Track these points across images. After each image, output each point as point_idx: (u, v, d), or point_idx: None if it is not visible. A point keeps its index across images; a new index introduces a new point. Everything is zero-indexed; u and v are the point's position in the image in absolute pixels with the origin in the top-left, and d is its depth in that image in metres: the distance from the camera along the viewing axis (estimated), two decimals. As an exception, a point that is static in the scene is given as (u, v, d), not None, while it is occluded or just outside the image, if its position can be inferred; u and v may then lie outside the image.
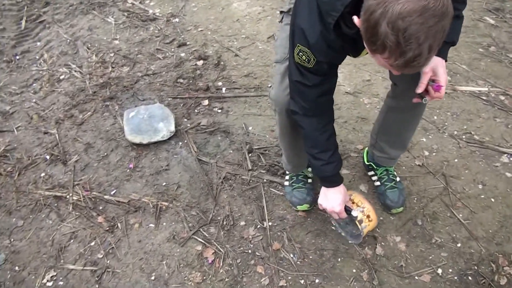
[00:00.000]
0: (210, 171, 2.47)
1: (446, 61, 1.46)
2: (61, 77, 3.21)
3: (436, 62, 1.42)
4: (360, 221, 1.82)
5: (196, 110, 2.85)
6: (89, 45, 3.44)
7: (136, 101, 2.94)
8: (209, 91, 2.96)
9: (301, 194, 2.13)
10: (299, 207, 2.15)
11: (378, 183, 2.20)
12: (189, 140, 2.64)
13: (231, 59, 3.22)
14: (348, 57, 1.60)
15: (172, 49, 3.34)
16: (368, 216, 1.84)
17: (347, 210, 1.82)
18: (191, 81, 3.05)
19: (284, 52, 1.67)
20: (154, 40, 3.44)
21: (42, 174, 2.56)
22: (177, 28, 3.55)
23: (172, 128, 2.63)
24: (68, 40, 3.49)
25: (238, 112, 2.82)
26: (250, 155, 2.53)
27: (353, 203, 1.86)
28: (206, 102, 2.89)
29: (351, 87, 2.92)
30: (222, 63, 3.18)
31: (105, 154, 2.63)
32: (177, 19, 3.64)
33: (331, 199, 1.81)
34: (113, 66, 3.23)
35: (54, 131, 2.82)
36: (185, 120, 2.79)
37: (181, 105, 2.90)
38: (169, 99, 2.95)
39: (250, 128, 2.71)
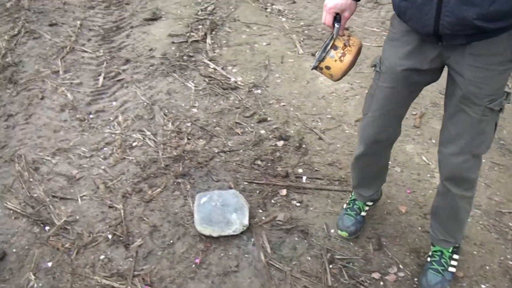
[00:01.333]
0: (284, 281, 2.16)
1: None
2: (134, 144, 3.03)
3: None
4: (334, 47, 1.57)
5: (272, 201, 2.57)
6: (166, 111, 3.26)
7: (210, 181, 2.70)
8: (288, 178, 2.68)
9: (348, 221, 2.24)
10: (339, 232, 2.28)
11: (428, 259, 2.10)
12: (263, 238, 2.35)
13: (314, 142, 2.94)
14: None
15: (252, 124, 3.11)
16: (345, 47, 1.58)
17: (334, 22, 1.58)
18: (269, 164, 2.78)
19: None
20: (234, 112, 3.22)
21: (102, 257, 2.34)
22: (259, 101, 3.32)
23: (246, 222, 2.35)
24: (145, 103, 3.34)
25: (319, 208, 2.52)
26: (331, 266, 2.21)
27: (348, 36, 1.62)
28: (284, 192, 2.60)
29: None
30: (304, 146, 2.91)
31: (171, 241, 2.37)
32: (259, 91, 3.42)
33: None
34: (189, 137, 3.02)
35: (120, 205, 2.61)
36: (260, 211, 2.51)
37: (257, 192, 2.63)
38: (245, 183, 2.69)
39: (332, 230, 2.40)
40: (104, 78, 3.69)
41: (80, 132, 3.21)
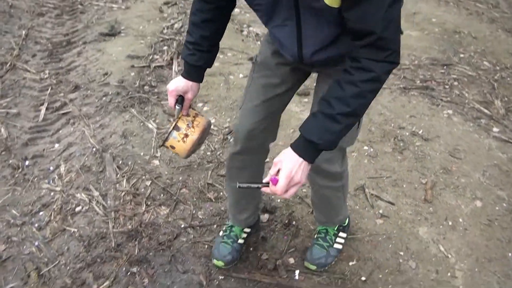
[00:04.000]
0: None
1: (307, 161, 1.31)
2: (77, 209, 2.40)
3: (286, 154, 1.32)
4: (177, 128, 1.59)
5: (258, 307, 1.98)
6: (120, 162, 2.62)
7: (174, 273, 2.13)
8: (277, 273, 2.12)
9: (224, 250, 2.08)
10: (215, 261, 2.09)
11: (315, 236, 2.17)
12: None
13: (306, 218, 2.40)
14: None
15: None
16: (188, 128, 1.60)
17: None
18: (251, 249, 2.21)
19: None
20: (205, 168, 2.62)
21: None
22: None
23: None
24: (94, 149, 2.68)
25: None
26: None
27: (194, 116, 1.64)
28: (272, 295, 2.01)
29: None
30: (294, 222, 2.37)
31: None
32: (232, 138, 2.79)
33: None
34: (148, 202, 2.41)
35: (55, 307, 1.96)
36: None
37: (237, 292, 2.03)
38: (221, 277, 2.10)
39: None
40: (47, 109, 3.02)
41: (12, 185, 2.56)
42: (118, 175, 2.58)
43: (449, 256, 2.23)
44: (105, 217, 2.37)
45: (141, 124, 2.91)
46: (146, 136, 2.83)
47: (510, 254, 2.25)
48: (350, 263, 2.19)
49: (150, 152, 2.73)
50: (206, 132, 1.67)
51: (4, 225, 2.36)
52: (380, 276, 2.14)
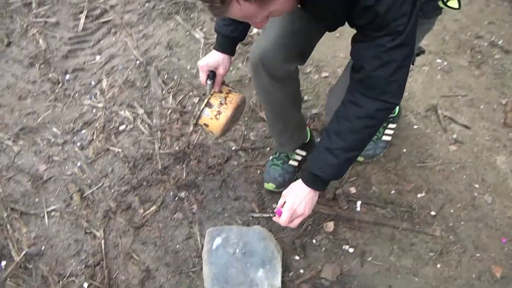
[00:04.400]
0: None
1: (315, 189, 1.33)
2: (121, 128, 2.22)
3: (293, 187, 1.35)
4: (209, 105, 1.49)
5: (314, 240, 1.81)
6: (166, 76, 2.40)
7: (224, 199, 1.94)
8: (336, 203, 1.90)
9: (274, 172, 1.93)
10: (265, 185, 1.95)
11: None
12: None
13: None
14: None
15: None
16: (221, 105, 1.50)
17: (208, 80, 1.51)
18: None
19: None
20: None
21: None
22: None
23: (278, 283, 1.63)
24: (138, 62, 2.45)
25: (381, 258, 1.78)
26: None
27: (227, 93, 1.53)
28: (331, 226, 1.84)
29: None
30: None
31: (170, 301, 1.64)
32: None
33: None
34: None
35: (100, 232, 1.88)
36: (297, 258, 1.77)
37: (291, 221, 1.83)
38: (274, 205, 1.92)
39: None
40: (86, 17, 2.77)
41: (52, 101, 2.39)
42: (164, 91, 2.36)
43: (531, 190, 1.94)
44: (150, 137, 2.19)
45: (187, 33, 2.63)
46: (193, 47, 2.57)
47: None
48: (419, 195, 1.94)
49: (197, 65, 2.46)
50: (240, 109, 1.58)
51: (45, 143, 2.23)
52: (452, 210, 1.90)
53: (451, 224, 1.87)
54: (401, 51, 1.12)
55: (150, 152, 2.14)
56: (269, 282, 1.65)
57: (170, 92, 2.36)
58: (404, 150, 2.08)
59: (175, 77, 2.43)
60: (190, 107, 2.29)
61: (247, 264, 1.68)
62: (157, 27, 2.69)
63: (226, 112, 1.50)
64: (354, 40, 1.18)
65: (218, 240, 1.74)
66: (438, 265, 1.78)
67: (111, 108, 2.32)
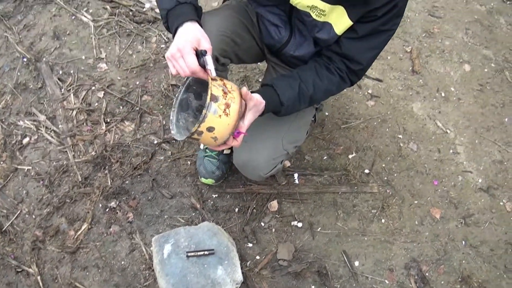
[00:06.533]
0: None
1: (275, 112, 1.30)
2: (24, 141, 2.01)
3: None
4: (214, 97, 1.07)
5: (262, 223, 1.78)
6: (61, 72, 2.16)
7: (160, 200, 1.83)
8: (274, 180, 1.87)
9: (211, 166, 1.81)
10: (203, 180, 1.83)
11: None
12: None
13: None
14: None
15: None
16: (226, 94, 1.09)
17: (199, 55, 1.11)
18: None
19: None
20: (163, 64, 2.19)
21: None
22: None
23: (239, 276, 1.59)
24: (25, 60, 2.18)
25: (329, 226, 1.79)
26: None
27: (220, 79, 1.14)
28: (275, 205, 1.80)
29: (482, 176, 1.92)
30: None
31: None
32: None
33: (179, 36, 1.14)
34: (107, 119, 2.03)
35: (32, 269, 1.71)
36: (250, 245, 1.75)
37: (236, 210, 1.81)
38: (214, 195, 1.85)
39: (356, 263, 1.69)
40: None
41: None
42: (63, 90, 2.14)
43: (448, 131, 2.04)
44: (60, 145, 1.99)
45: (73, 17, 2.38)
46: (83, 33, 2.33)
47: (506, 119, 2.08)
48: (350, 156, 1.97)
49: (92, 53, 2.25)
50: (242, 102, 1.16)
51: None
52: (383, 165, 1.94)
53: (385, 178, 1.91)
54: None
55: (64, 163, 1.95)
56: (231, 277, 1.61)
57: (69, 90, 2.14)
58: (327, 114, 2.07)
59: (72, 72, 2.20)
60: (96, 104, 2.09)
61: (204, 265, 1.62)
62: (37, 14, 2.40)
63: (235, 103, 1.11)
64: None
65: (167, 248, 1.65)
66: (383, 220, 1.82)
67: (8, 120, 2.07)
